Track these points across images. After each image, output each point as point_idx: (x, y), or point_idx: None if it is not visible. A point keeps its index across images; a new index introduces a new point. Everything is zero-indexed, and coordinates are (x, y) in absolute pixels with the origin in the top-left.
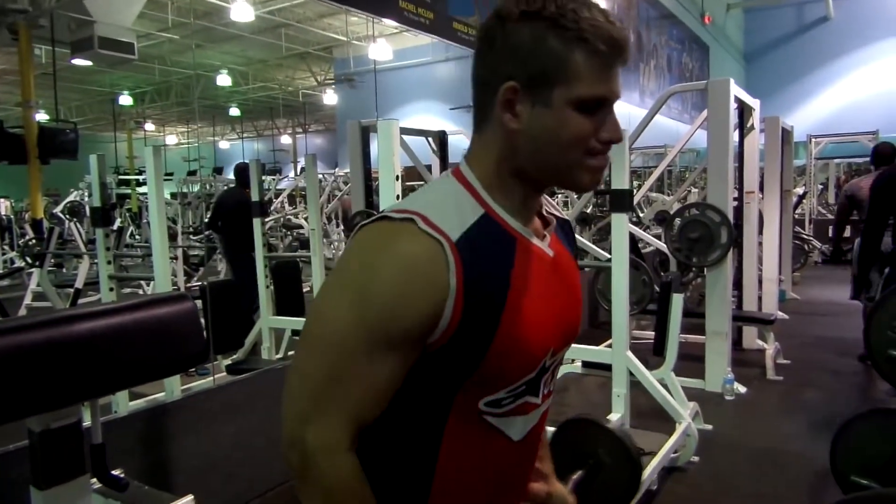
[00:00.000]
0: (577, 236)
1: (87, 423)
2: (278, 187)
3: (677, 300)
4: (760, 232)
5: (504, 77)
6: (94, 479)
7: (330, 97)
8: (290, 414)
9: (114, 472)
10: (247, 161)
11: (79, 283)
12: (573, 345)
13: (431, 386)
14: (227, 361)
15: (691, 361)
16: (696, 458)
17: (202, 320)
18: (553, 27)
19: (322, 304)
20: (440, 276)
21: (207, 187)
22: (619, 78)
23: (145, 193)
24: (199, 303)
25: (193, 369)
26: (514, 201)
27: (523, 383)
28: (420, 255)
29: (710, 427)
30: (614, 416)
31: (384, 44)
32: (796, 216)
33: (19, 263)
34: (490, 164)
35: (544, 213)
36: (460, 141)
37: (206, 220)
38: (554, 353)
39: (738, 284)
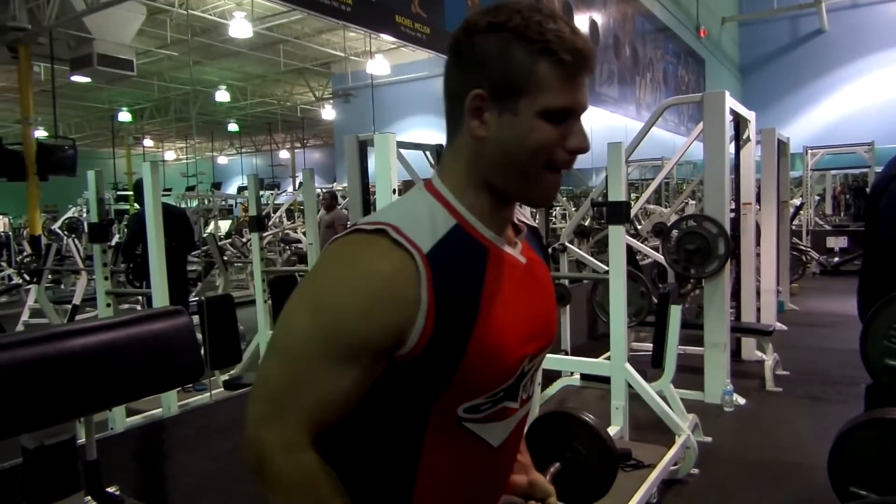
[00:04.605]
0: (575, 249)
1: (81, 440)
2: (276, 202)
3: (675, 312)
4: (758, 243)
5: (472, 86)
6: (89, 497)
7: (328, 112)
8: (249, 415)
9: (109, 490)
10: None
11: (76, 300)
12: (571, 357)
13: (408, 395)
14: (225, 377)
15: (690, 373)
16: (695, 471)
17: (198, 335)
18: (519, 38)
19: (287, 312)
20: (409, 292)
21: (206, 202)
22: (586, 88)
23: None
24: (195, 318)
25: (191, 385)
26: (485, 211)
27: (502, 390)
28: (387, 271)
29: (709, 439)
30: (613, 429)
31: (382, 59)
32: (794, 227)
33: (17, 280)
34: (461, 175)
35: (515, 220)
36: None
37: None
38: (531, 358)
39: (736, 295)
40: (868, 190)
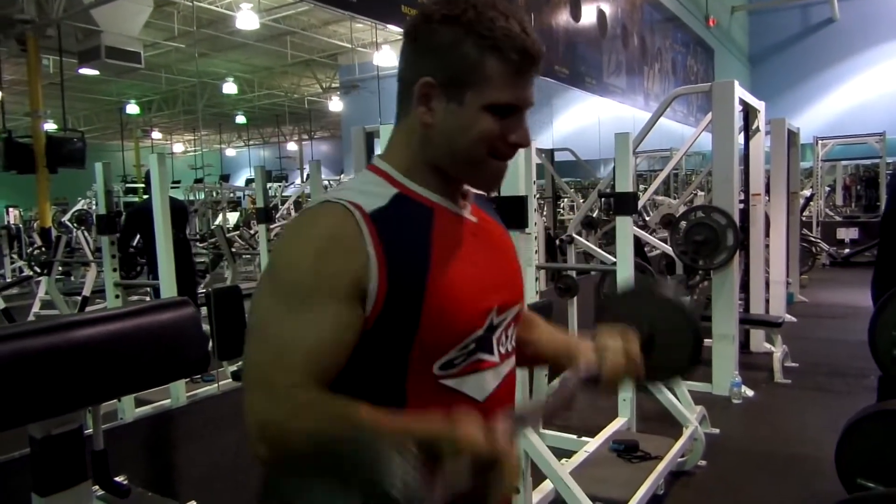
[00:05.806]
0: (583, 240)
1: (89, 429)
2: (284, 194)
3: None
4: (767, 234)
5: (423, 74)
6: (97, 486)
7: (335, 104)
8: (246, 407)
9: (116, 479)
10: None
11: (86, 291)
12: None
13: (383, 359)
14: (233, 368)
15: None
16: (703, 463)
17: (205, 326)
18: (470, 33)
19: (253, 299)
20: (354, 243)
21: (214, 194)
22: (532, 86)
23: None
24: (204, 309)
25: (199, 376)
26: (431, 182)
27: (472, 340)
28: (331, 225)
29: (717, 431)
30: (620, 421)
31: (388, 50)
32: (804, 218)
33: (28, 272)
34: (406, 155)
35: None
36: None
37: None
38: (499, 311)
39: (744, 287)
40: (885, 181)
